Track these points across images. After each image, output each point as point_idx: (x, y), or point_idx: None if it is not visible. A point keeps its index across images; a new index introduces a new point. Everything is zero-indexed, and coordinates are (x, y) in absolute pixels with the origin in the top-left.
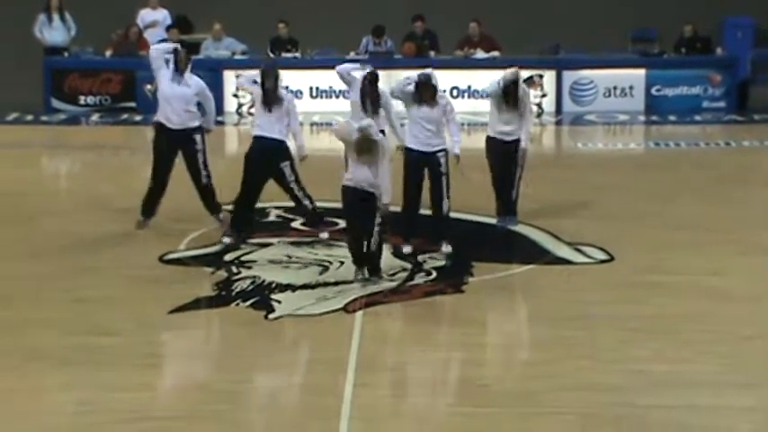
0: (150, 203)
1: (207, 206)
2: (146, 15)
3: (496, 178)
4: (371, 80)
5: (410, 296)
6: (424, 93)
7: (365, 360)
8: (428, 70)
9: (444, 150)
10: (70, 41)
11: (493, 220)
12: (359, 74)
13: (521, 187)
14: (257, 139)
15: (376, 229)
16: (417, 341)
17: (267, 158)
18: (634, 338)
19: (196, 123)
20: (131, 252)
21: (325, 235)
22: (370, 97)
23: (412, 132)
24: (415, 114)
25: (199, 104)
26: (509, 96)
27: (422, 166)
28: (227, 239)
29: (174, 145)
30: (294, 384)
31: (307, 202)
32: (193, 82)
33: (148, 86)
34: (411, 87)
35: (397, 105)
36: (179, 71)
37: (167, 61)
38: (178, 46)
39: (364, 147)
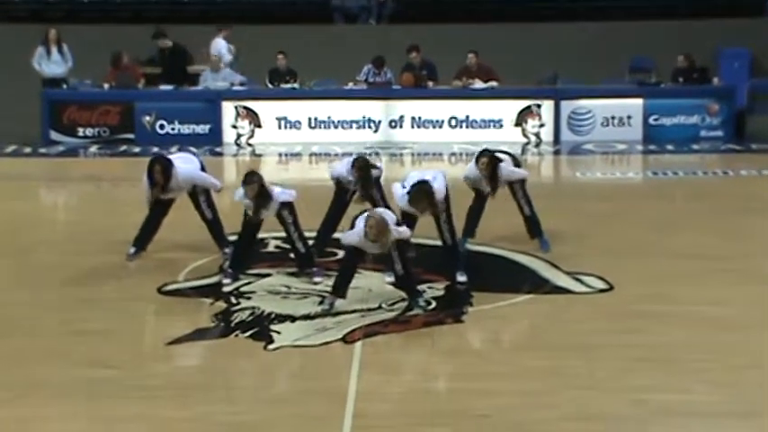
0: (144, 236)
1: (214, 239)
2: None
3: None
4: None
5: (410, 326)
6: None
7: (365, 391)
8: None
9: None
10: (68, 73)
11: (492, 249)
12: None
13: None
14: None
15: (394, 254)
16: (417, 371)
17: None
18: (634, 368)
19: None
20: (130, 284)
21: (318, 279)
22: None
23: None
24: None
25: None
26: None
27: None
28: (227, 280)
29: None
30: (293, 415)
31: (300, 245)
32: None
33: (147, 118)
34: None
35: None
36: (165, 189)
37: None
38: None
39: (378, 240)
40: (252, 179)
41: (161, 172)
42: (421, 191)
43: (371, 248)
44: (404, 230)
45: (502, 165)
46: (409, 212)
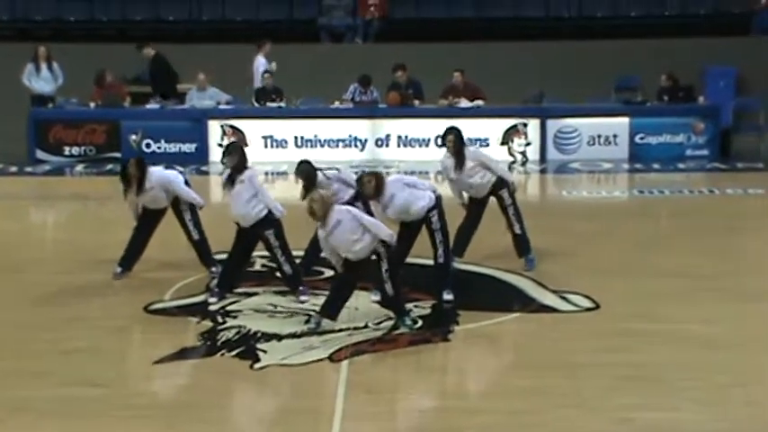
0: (130, 256)
1: (201, 260)
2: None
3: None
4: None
5: (396, 345)
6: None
7: (351, 410)
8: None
9: (433, 208)
10: (58, 91)
11: (479, 268)
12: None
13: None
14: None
15: (385, 275)
16: (403, 390)
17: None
18: (620, 386)
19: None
20: (117, 302)
21: (305, 297)
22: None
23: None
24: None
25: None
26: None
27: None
28: (213, 299)
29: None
30: None
31: (287, 268)
32: (156, 186)
33: (133, 137)
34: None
35: None
36: (140, 188)
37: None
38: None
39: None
40: (234, 148)
41: (135, 165)
42: (370, 174)
43: (340, 248)
44: (385, 229)
45: (471, 149)
46: (404, 222)
